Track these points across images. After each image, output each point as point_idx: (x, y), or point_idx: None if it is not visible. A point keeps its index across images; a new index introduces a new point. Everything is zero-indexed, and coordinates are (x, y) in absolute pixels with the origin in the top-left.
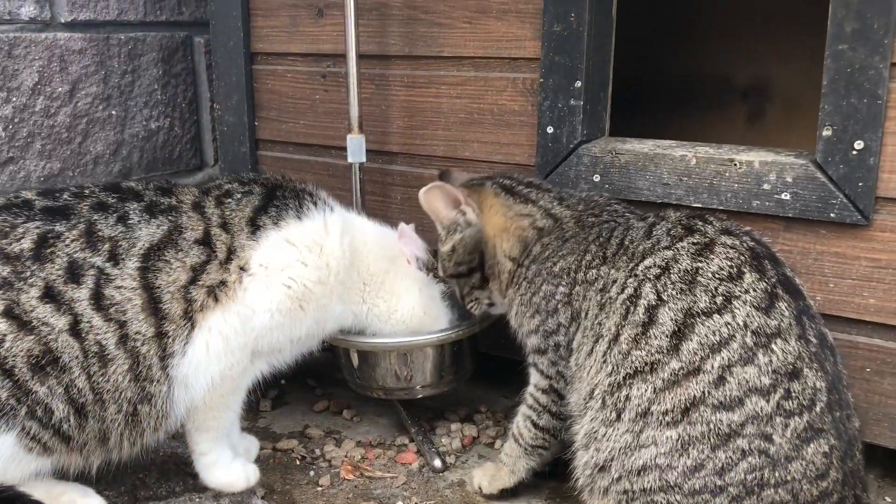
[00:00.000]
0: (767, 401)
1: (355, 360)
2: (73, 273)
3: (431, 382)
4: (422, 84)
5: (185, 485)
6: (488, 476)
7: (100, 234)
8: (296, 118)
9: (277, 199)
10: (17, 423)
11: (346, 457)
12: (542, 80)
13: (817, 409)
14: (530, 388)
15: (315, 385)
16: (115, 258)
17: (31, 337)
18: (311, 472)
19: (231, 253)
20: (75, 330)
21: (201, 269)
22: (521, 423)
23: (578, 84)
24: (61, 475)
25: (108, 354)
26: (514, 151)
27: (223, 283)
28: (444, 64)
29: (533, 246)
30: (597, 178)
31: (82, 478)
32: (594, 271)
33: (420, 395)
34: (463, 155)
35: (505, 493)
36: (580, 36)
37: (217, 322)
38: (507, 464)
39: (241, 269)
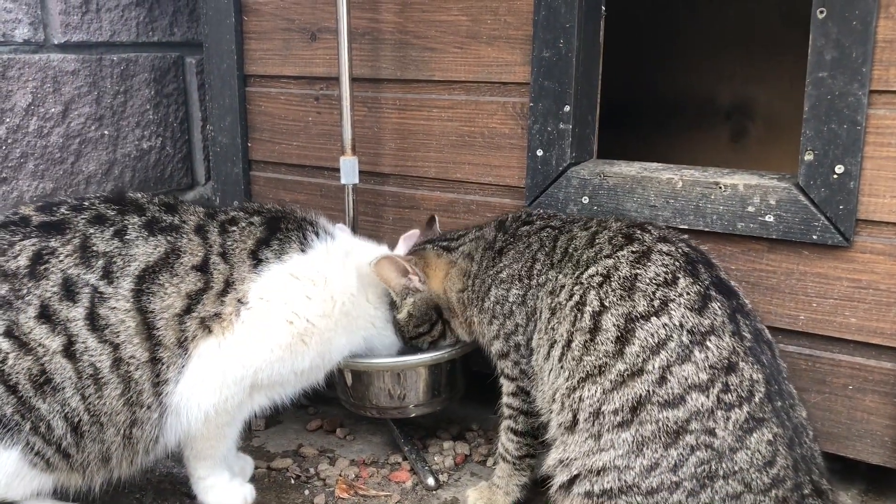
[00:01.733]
0: (707, 396)
1: (349, 380)
2: (69, 290)
3: (425, 401)
4: (414, 107)
5: None
6: (484, 499)
7: (94, 249)
8: (289, 139)
9: (280, 232)
10: (22, 438)
11: (340, 475)
12: (531, 104)
13: (756, 399)
14: (504, 399)
15: (308, 404)
16: (108, 276)
17: (30, 357)
18: (306, 491)
19: (228, 285)
20: (69, 351)
21: (196, 297)
22: (503, 438)
23: (567, 108)
24: (61, 496)
25: (101, 378)
26: (504, 174)
27: (218, 315)
28: (436, 88)
29: (470, 268)
30: (585, 199)
31: (80, 499)
32: (544, 276)
33: (413, 414)
34: (454, 177)
35: None
36: (569, 61)
37: (212, 354)
38: (501, 486)
39: (239, 301)
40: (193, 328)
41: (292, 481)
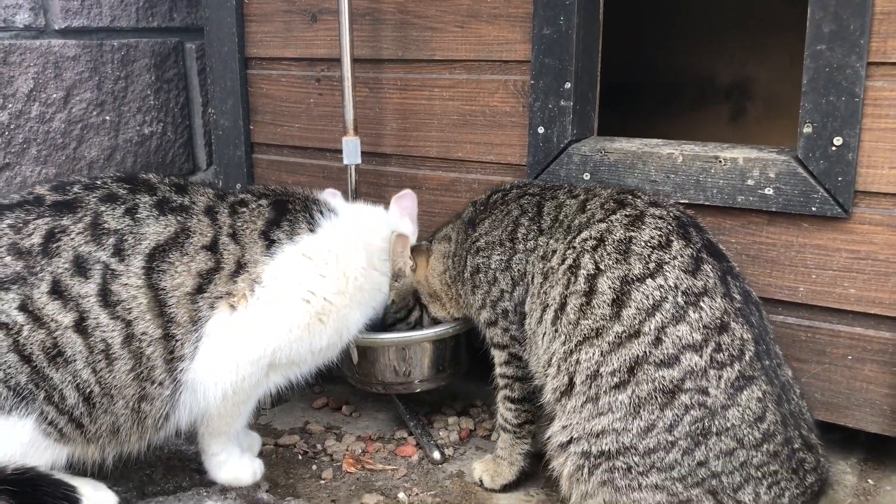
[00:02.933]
0: (701, 356)
1: (355, 356)
2: (80, 267)
3: (429, 377)
4: (415, 87)
5: (191, 480)
6: (490, 472)
7: (105, 226)
8: (291, 122)
9: (289, 213)
10: (37, 408)
11: (347, 451)
12: (532, 81)
13: (746, 358)
14: (497, 370)
15: (313, 383)
16: (120, 254)
17: (43, 330)
18: (314, 466)
19: (241, 266)
20: (80, 327)
21: (208, 277)
22: (501, 408)
23: (568, 85)
24: (76, 471)
25: (112, 353)
26: (505, 152)
27: (231, 293)
28: (437, 67)
29: (449, 248)
30: (587, 176)
31: (94, 474)
32: (532, 241)
33: (418, 390)
34: (456, 156)
35: (506, 486)
36: (569, 39)
37: (227, 331)
38: (505, 456)
39: (254, 281)
40: (206, 307)
41: (300, 457)
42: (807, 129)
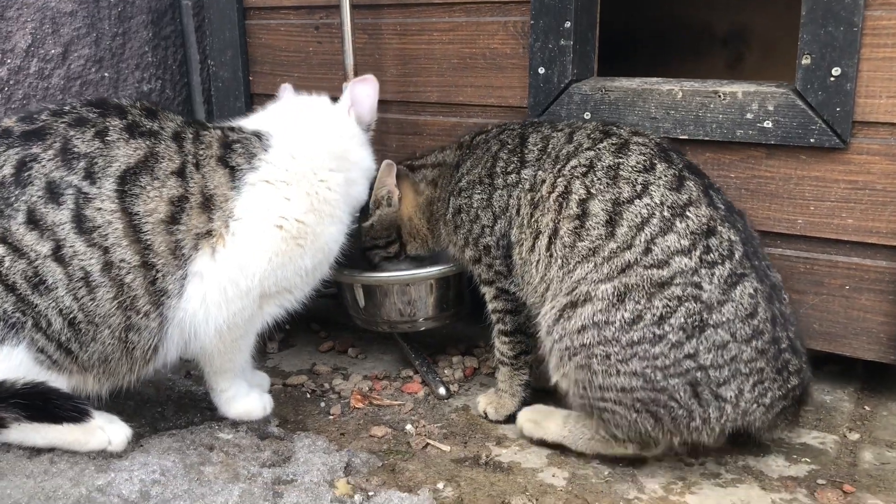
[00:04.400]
0: (690, 258)
1: (360, 297)
2: (53, 193)
3: (434, 315)
4: (414, 31)
5: (202, 416)
6: (493, 405)
7: (75, 150)
8: (290, 71)
9: (240, 137)
10: (26, 335)
11: (354, 388)
12: (532, 21)
13: (736, 257)
14: (489, 306)
15: (319, 329)
16: (91, 177)
17: (24, 260)
18: (322, 404)
19: (209, 198)
20: (58, 255)
21: (179, 205)
22: (497, 343)
23: (568, 24)
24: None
25: (92, 280)
26: (506, 94)
27: (209, 232)
28: (436, 10)
29: (434, 194)
30: (587, 115)
31: (108, 409)
32: (513, 175)
33: (423, 328)
34: (457, 100)
35: (510, 416)
36: None
37: (210, 270)
38: (505, 389)
39: (228, 217)
40: (187, 245)
41: (308, 395)
42: (805, 61)
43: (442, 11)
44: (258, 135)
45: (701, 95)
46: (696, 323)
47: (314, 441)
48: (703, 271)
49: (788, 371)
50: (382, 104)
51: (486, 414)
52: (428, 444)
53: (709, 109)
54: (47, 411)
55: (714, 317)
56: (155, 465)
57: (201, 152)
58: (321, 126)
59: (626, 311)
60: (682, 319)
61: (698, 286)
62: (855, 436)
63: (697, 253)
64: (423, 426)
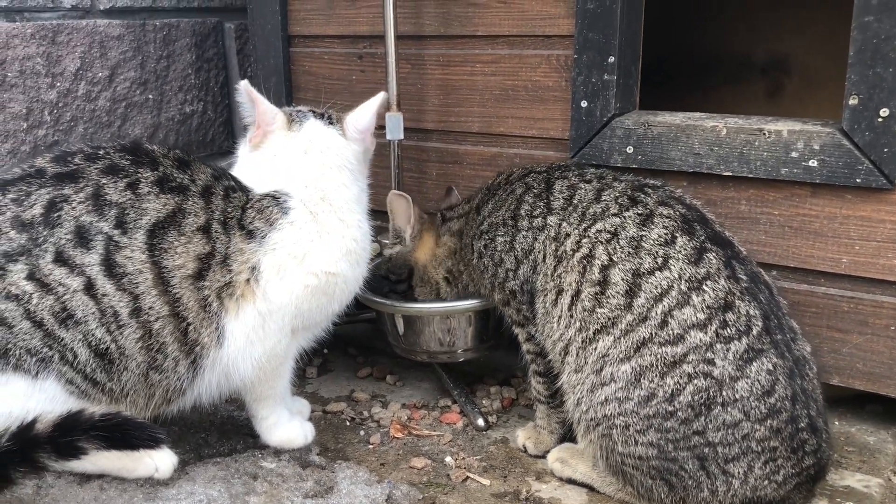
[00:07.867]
0: (705, 332)
1: (401, 326)
2: (82, 237)
3: (473, 346)
4: (457, 62)
5: (245, 443)
6: (532, 440)
7: (107, 198)
8: (333, 98)
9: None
10: (54, 368)
11: (393, 417)
12: (576, 56)
13: (754, 332)
14: (522, 347)
15: (356, 354)
16: (122, 226)
17: (52, 296)
18: (362, 432)
19: (227, 257)
20: (90, 292)
21: (207, 261)
22: (532, 382)
23: (612, 59)
24: None
25: (121, 320)
26: (547, 126)
27: (230, 284)
28: (479, 42)
29: (458, 243)
30: (630, 149)
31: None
32: (539, 220)
33: (462, 359)
34: (497, 130)
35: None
36: (612, 12)
37: (250, 327)
38: (543, 426)
39: (253, 269)
40: (215, 301)
41: (348, 423)
42: (852, 101)
43: (485, 44)
44: (275, 197)
45: (745, 132)
46: (703, 400)
47: (356, 472)
48: (718, 346)
49: (804, 451)
50: (424, 132)
51: (525, 448)
52: (468, 477)
53: (753, 147)
54: (125, 440)
55: (725, 393)
56: (201, 494)
57: (230, 210)
58: (337, 171)
59: (641, 388)
60: (690, 397)
61: (710, 362)
62: None
63: (713, 327)
64: (463, 458)
